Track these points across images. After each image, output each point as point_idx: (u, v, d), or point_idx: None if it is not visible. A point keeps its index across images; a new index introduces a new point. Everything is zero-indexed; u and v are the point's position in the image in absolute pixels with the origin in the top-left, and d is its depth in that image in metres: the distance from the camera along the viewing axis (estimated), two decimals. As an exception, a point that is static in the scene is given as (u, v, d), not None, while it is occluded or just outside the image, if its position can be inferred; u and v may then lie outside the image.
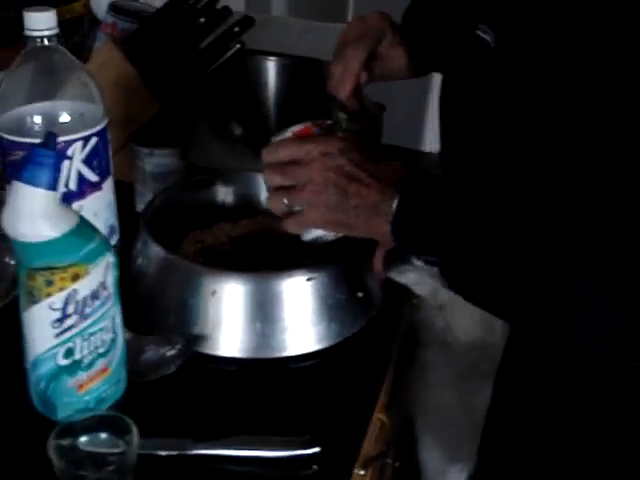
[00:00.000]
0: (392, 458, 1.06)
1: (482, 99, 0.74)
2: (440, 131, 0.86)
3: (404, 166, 0.73)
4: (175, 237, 0.91)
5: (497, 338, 0.95)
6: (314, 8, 3.14)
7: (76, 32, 1.21)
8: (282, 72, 1.12)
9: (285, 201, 0.74)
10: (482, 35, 0.73)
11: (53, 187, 0.61)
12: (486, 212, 0.68)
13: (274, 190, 0.76)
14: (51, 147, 0.61)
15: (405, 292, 0.91)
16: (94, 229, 0.66)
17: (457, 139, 0.82)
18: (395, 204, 0.69)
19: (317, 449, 0.67)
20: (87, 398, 0.69)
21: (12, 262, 0.85)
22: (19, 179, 0.60)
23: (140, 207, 1.02)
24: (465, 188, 0.72)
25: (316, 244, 0.81)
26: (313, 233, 0.77)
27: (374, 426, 0.89)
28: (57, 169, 0.61)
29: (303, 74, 1.13)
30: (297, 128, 0.79)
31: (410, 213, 0.70)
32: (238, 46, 1.02)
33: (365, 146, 0.76)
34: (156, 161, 1.00)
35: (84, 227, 0.64)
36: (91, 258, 0.64)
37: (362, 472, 0.84)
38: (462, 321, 1.07)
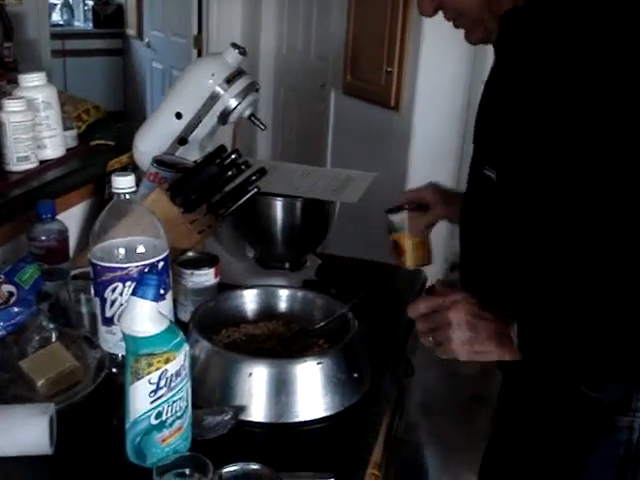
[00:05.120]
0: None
1: (489, 220, 1.06)
2: (460, 244, 1.17)
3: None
4: (211, 333, 1.21)
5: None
6: (295, 155, 3.52)
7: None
8: (286, 209, 1.45)
9: (430, 339, 1.05)
10: (487, 173, 1.03)
11: (156, 299, 0.91)
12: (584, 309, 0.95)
13: (423, 332, 1.06)
14: (154, 273, 0.91)
15: (390, 375, 1.21)
16: (178, 328, 0.96)
17: (475, 249, 1.13)
18: (515, 328, 0.98)
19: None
20: (167, 449, 0.97)
21: (97, 355, 1.14)
22: (134, 294, 0.91)
23: (181, 315, 1.31)
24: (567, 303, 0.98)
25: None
26: None
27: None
28: (159, 288, 0.91)
29: (302, 210, 1.46)
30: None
31: (531, 333, 0.98)
32: (255, 190, 1.34)
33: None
34: (196, 279, 1.30)
35: (173, 326, 0.94)
36: (177, 347, 0.94)
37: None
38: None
